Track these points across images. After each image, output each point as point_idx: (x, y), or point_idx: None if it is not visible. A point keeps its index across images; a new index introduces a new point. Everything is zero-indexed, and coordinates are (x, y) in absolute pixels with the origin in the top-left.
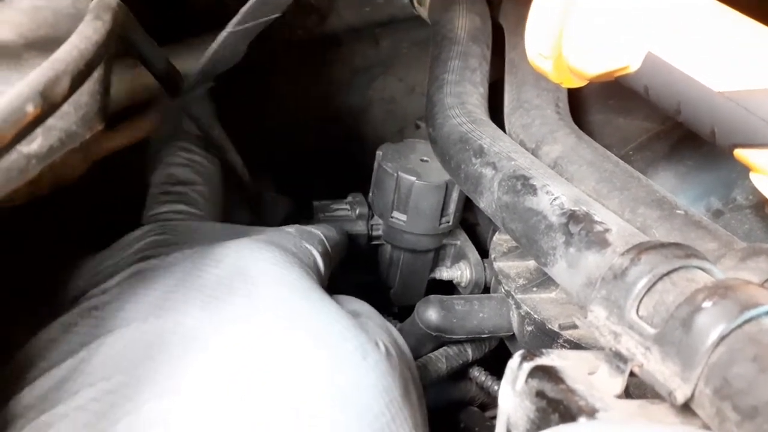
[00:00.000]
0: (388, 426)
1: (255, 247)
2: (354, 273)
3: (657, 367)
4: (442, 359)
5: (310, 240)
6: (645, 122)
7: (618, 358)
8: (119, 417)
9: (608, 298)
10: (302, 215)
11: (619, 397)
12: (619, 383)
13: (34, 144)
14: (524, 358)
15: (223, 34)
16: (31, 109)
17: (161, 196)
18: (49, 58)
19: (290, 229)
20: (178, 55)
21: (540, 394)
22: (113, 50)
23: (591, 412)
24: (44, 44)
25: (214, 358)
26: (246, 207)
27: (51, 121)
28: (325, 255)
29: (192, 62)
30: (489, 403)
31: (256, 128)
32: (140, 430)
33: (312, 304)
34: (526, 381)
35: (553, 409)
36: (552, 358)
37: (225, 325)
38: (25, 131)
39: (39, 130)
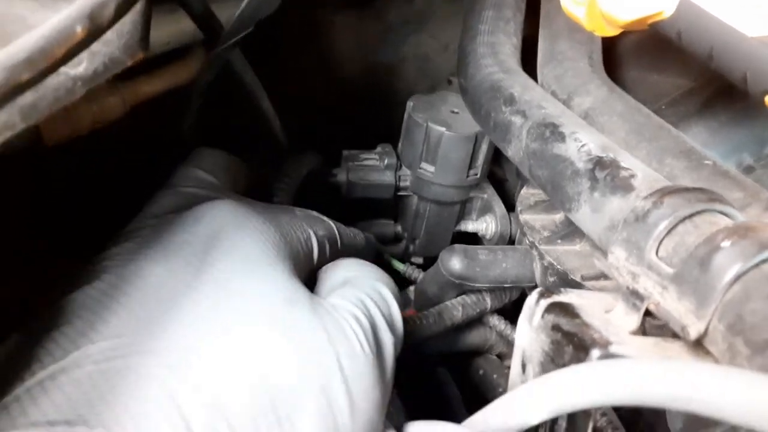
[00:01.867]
0: (293, 408)
1: (234, 215)
2: (379, 224)
3: (673, 305)
4: (458, 307)
5: (314, 224)
6: (679, 79)
7: (635, 297)
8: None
9: (629, 239)
10: (331, 165)
11: (634, 333)
12: (634, 320)
13: (80, 67)
14: (542, 295)
15: None
16: (79, 30)
17: (187, 170)
18: None
19: (297, 210)
20: (215, 2)
21: (555, 328)
22: None
23: (605, 345)
24: None
25: (142, 312)
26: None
27: (96, 47)
28: (327, 239)
29: (229, 11)
30: (508, 352)
31: (288, 82)
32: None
33: (258, 276)
34: (543, 316)
35: (568, 342)
36: (569, 296)
37: (165, 280)
38: (72, 51)
39: (84, 54)
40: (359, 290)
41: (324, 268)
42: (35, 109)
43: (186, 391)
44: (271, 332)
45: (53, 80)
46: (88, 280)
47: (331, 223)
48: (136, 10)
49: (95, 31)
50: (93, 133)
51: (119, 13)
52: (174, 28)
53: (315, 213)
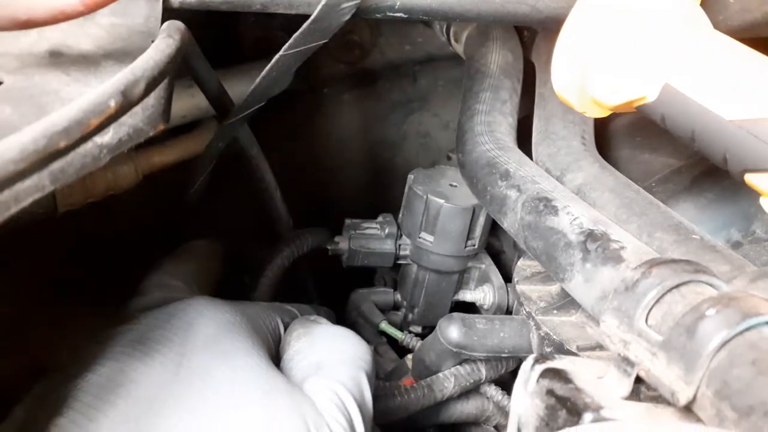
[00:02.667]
0: None
1: (206, 308)
2: (379, 292)
3: (662, 371)
4: (450, 378)
5: (279, 312)
6: (669, 158)
7: (626, 363)
8: None
9: (619, 308)
10: (334, 233)
11: (626, 399)
12: (626, 386)
13: (107, 136)
14: (536, 361)
15: (276, 57)
16: (112, 104)
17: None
18: (130, 65)
19: (263, 303)
20: (227, 80)
21: (549, 393)
22: (177, 65)
23: (596, 409)
24: (119, 55)
25: (128, 408)
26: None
27: (122, 118)
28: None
29: (240, 88)
30: (505, 424)
31: (292, 158)
32: None
33: (235, 366)
34: (537, 381)
35: (561, 406)
36: (563, 362)
37: (147, 377)
38: (105, 123)
39: (111, 125)
40: (334, 380)
41: (295, 332)
42: (63, 173)
43: None
44: (253, 425)
45: (82, 148)
46: (81, 380)
47: (294, 309)
48: (161, 86)
49: (126, 105)
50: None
51: (148, 90)
52: (190, 102)
53: (277, 303)
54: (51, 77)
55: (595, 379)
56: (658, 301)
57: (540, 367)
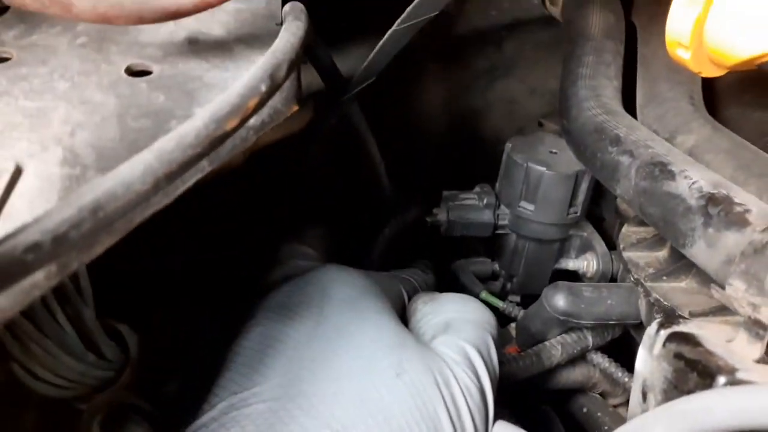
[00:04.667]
0: None
1: (339, 275)
2: (477, 262)
3: None
4: (557, 346)
5: (402, 281)
6: None
7: (758, 326)
8: None
9: (748, 271)
10: (432, 206)
11: (758, 362)
12: (758, 349)
13: (253, 118)
14: (662, 325)
15: (390, 31)
16: (263, 88)
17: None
18: (270, 49)
19: (385, 273)
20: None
21: (678, 356)
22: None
23: (731, 371)
24: (248, 39)
25: (276, 363)
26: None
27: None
28: (410, 295)
29: (347, 64)
30: (611, 391)
31: (379, 129)
32: None
33: (368, 323)
34: (664, 345)
35: (692, 369)
36: (690, 326)
37: (291, 336)
38: (259, 106)
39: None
40: (462, 339)
41: (421, 299)
42: (218, 155)
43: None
44: (385, 374)
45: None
46: (242, 338)
47: (415, 282)
48: (296, 68)
49: (274, 88)
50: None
51: (289, 72)
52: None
53: (394, 273)
54: (193, 64)
55: (723, 342)
56: None
57: (666, 331)
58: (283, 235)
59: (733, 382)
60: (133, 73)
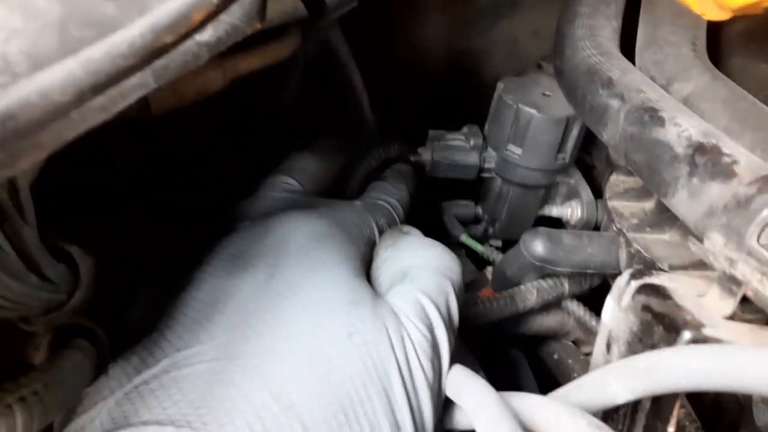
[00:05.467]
0: (360, 404)
1: (300, 221)
2: (460, 204)
3: None
4: (532, 291)
5: (374, 212)
6: None
7: (732, 282)
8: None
9: (728, 225)
10: (418, 144)
11: (729, 318)
12: (730, 305)
13: (206, 34)
14: (633, 276)
15: None
16: (215, 0)
17: (275, 177)
18: None
19: (358, 202)
20: None
21: (646, 308)
22: None
23: (697, 327)
24: None
25: (224, 320)
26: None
27: (221, 16)
28: (387, 224)
29: None
30: (584, 339)
31: (378, 61)
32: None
33: (322, 277)
34: (633, 297)
35: (658, 322)
36: (661, 278)
37: (242, 290)
38: (207, 18)
39: (210, 22)
40: (419, 290)
41: (384, 243)
42: (166, 70)
43: (263, 395)
44: (336, 334)
45: (184, 45)
46: (196, 288)
47: (389, 206)
48: None
49: (226, 1)
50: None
51: None
52: (276, 6)
53: (376, 198)
54: None
55: (695, 297)
56: None
57: (637, 283)
58: (268, 165)
59: (699, 338)
60: None
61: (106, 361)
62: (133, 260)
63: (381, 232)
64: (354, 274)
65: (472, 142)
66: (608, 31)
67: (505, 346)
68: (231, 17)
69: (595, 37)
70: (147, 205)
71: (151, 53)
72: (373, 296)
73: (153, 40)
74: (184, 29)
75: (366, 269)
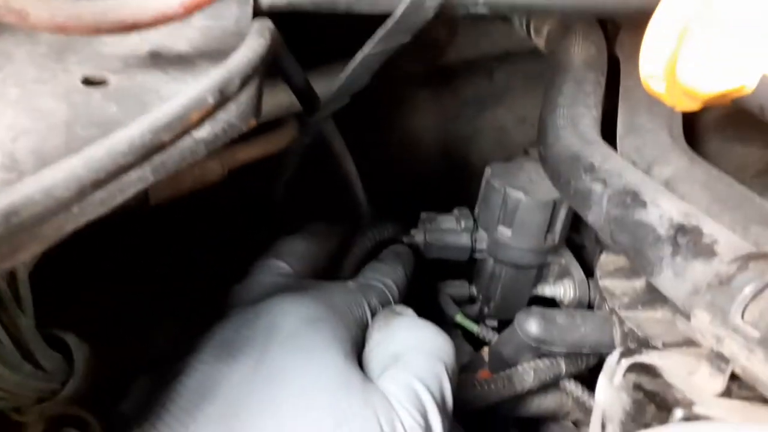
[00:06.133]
0: None
1: (290, 305)
2: (454, 285)
3: (761, 368)
4: (529, 371)
5: (367, 293)
6: (764, 150)
7: (720, 359)
8: None
9: (713, 303)
10: (410, 227)
11: (720, 396)
12: (719, 383)
13: (203, 131)
14: (623, 355)
15: (361, 57)
16: (211, 100)
17: (265, 261)
18: (225, 63)
19: (351, 283)
20: (312, 78)
21: (637, 387)
22: (268, 63)
23: (688, 405)
24: (213, 55)
25: (212, 410)
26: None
27: (218, 114)
28: (381, 304)
29: (324, 86)
30: (584, 420)
31: (372, 150)
32: None
33: (311, 363)
34: (624, 375)
35: (650, 401)
36: (651, 356)
37: (230, 378)
38: (203, 118)
39: (207, 120)
40: (412, 375)
41: (376, 324)
42: (164, 166)
43: None
44: (323, 425)
45: (181, 142)
46: (186, 376)
47: (383, 287)
48: (253, 83)
49: (223, 101)
50: (192, 194)
51: (242, 86)
52: (273, 100)
53: (371, 278)
54: (151, 77)
55: (685, 374)
56: (755, 296)
57: (627, 361)
58: (259, 251)
59: (690, 416)
60: (90, 83)
61: None
62: (130, 342)
63: (375, 312)
64: (344, 358)
65: (463, 224)
66: (588, 119)
67: (504, 429)
68: (227, 115)
69: (576, 126)
70: (143, 283)
71: (149, 151)
72: (363, 381)
73: (152, 139)
74: (181, 128)
75: (358, 352)
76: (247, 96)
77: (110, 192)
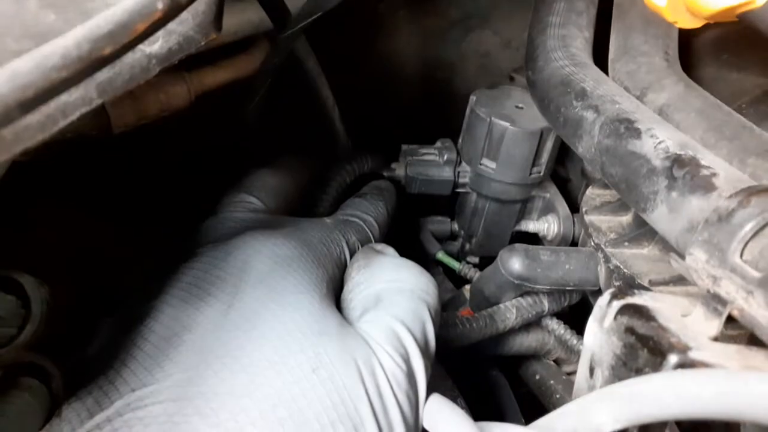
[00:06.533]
0: None
1: (263, 244)
2: (436, 221)
3: (759, 311)
4: (512, 309)
5: (346, 230)
6: (760, 77)
7: (716, 301)
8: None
9: (710, 241)
10: (391, 160)
11: (715, 339)
12: (715, 326)
13: (156, 45)
14: (614, 296)
15: None
16: (160, 5)
17: (235, 196)
18: None
19: (328, 220)
20: None
21: (629, 330)
22: None
23: (683, 350)
24: None
25: (180, 357)
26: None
27: (171, 26)
28: (360, 242)
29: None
30: (566, 358)
31: (349, 73)
32: None
33: (285, 306)
34: (615, 318)
35: (642, 345)
36: (644, 298)
37: (199, 323)
38: (152, 28)
39: (160, 33)
40: (392, 315)
41: (356, 264)
42: (111, 85)
43: None
44: (300, 368)
45: (130, 57)
46: (153, 319)
47: (363, 223)
48: None
49: (174, 9)
50: (158, 120)
51: None
52: (241, 18)
53: (350, 214)
54: None
55: (679, 317)
56: (756, 233)
57: (618, 303)
58: (229, 185)
59: (685, 362)
60: None
61: (60, 401)
62: (93, 281)
63: (353, 251)
64: (320, 300)
65: (445, 157)
66: (580, 41)
67: (485, 368)
68: (183, 27)
69: (567, 48)
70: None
71: (89, 65)
72: (340, 324)
73: (91, 50)
74: (125, 39)
75: (336, 292)
76: (205, 5)
77: (47, 114)
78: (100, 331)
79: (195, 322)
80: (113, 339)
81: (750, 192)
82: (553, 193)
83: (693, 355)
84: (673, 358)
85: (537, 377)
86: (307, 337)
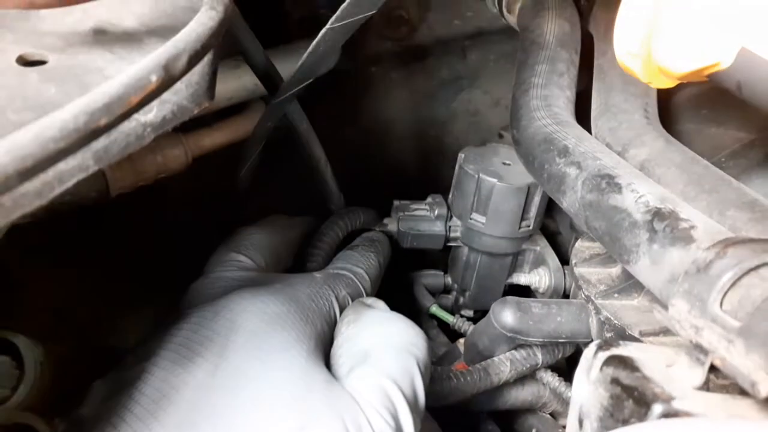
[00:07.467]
0: None
1: (251, 302)
2: (429, 275)
3: (740, 360)
4: (506, 362)
5: (335, 284)
6: (739, 132)
7: (699, 351)
8: None
9: (690, 291)
10: (383, 215)
11: (699, 389)
12: (699, 375)
13: (150, 114)
14: (600, 348)
15: (324, 30)
16: (154, 78)
17: (224, 255)
18: (171, 39)
19: (318, 274)
20: (275, 59)
21: (615, 381)
22: (221, 38)
23: (667, 400)
24: (163, 32)
25: (168, 419)
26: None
27: (166, 95)
28: (351, 296)
29: (288, 66)
30: (562, 411)
31: (340, 139)
32: None
33: (272, 365)
34: (601, 369)
35: (628, 396)
36: (629, 349)
37: (188, 384)
38: (147, 99)
39: (154, 103)
40: (381, 373)
41: (345, 319)
42: (107, 152)
43: None
44: (285, 426)
45: (125, 126)
46: (143, 381)
47: (353, 276)
48: (205, 62)
49: (168, 81)
50: (155, 183)
51: (191, 64)
52: (236, 83)
53: (340, 268)
54: (95, 55)
55: (663, 367)
56: (734, 283)
57: (604, 354)
58: (217, 243)
59: (669, 411)
60: (26, 62)
61: None
62: (85, 342)
63: (343, 305)
64: (307, 357)
65: (436, 212)
66: (562, 100)
67: (481, 421)
68: (177, 96)
69: (550, 107)
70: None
71: (86, 136)
72: (328, 382)
73: (87, 122)
74: (120, 110)
75: (325, 348)
76: (198, 76)
77: (45, 182)
78: (92, 392)
79: (183, 383)
80: (105, 400)
81: (727, 243)
82: (543, 246)
83: (677, 404)
84: (657, 408)
85: (534, 431)
86: (292, 395)
